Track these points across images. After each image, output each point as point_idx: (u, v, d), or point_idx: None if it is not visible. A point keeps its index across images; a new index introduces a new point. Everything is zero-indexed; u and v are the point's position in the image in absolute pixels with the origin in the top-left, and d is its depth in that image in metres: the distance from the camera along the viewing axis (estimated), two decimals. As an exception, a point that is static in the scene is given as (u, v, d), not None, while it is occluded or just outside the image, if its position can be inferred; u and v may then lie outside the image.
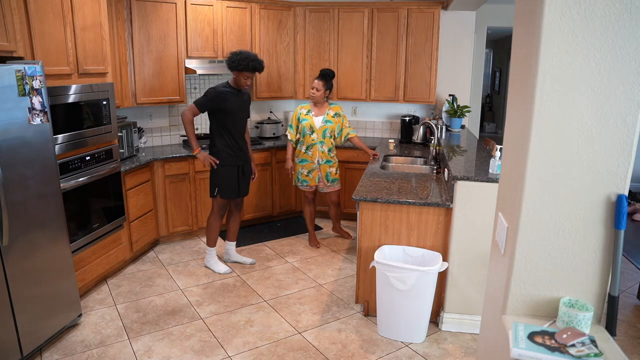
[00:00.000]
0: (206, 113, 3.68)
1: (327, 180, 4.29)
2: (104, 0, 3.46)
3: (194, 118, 3.61)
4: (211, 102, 3.54)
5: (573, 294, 1.40)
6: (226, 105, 3.56)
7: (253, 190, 4.78)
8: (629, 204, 5.57)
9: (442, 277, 3.00)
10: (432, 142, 4.13)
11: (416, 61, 4.89)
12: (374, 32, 4.90)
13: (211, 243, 3.93)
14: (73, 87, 3.15)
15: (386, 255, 2.96)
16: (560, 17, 1.23)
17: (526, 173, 1.34)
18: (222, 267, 3.89)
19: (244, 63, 3.48)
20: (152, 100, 4.37)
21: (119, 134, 3.96)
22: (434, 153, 4.08)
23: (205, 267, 3.97)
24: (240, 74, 3.54)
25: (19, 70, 2.50)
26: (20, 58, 2.71)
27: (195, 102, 3.55)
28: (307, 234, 4.78)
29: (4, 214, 2.42)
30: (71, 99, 3.14)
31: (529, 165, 1.34)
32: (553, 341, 1.26)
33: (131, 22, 4.11)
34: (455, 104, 5.01)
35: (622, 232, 1.31)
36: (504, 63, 10.80)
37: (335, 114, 4.25)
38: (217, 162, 3.65)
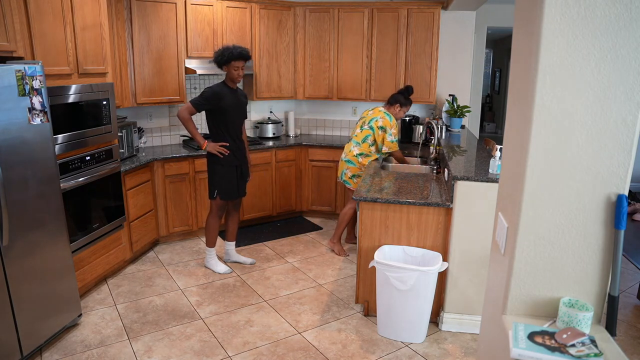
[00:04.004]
0: (204, 114, 3.67)
1: None
2: (104, 0, 3.46)
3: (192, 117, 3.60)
4: (207, 101, 3.53)
5: (573, 294, 1.40)
6: (222, 105, 3.55)
7: (253, 190, 4.78)
8: (629, 204, 5.57)
9: (442, 277, 3.00)
10: (432, 142, 4.12)
11: (416, 61, 4.89)
12: (374, 32, 4.90)
13: (210, 243, 3.93)
14: (73, 87, 3.15)
15: (386, 255, 2.96)
16: (560, 17, 1.23)
17: (526, 173, 1.34)
18: (222, 267, 3.89)
19: (227, 53, 3.47)
20: (152, 100, 4.37)
21: (119, 134, 3.96)
22: (434, 153, 4.08)
23: (205, 267, 3.97)
24: (230, 67, 3.52)
25: (19, 70, 2.50)
26: (20, 58, 2.71)
27: (191, 101, 3.53)
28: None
29: (4, 214, 2.42)
30: (71, 99, 3.14)
31: (529, 165, 1.34)
32: (553, 341, 1.26)
33: (131, 22, 4.11)
34: (455, 104, 5.01)
35: (622, 232, 1.31)
36: (504, 63, 10.80)
37: None
38: (227, 145, 3.63)
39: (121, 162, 3.89)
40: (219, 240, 4.60)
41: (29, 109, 2.59)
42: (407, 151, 4.59)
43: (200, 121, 4.95)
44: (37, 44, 2.83)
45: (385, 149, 4.01)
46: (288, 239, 4.68)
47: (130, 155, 4.18)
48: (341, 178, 4.20)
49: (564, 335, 1.26)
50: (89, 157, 3.34)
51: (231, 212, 3.96)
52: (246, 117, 3.82)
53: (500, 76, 11.27)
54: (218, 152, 3.60)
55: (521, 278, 1.42)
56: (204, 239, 4.62)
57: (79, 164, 3.25)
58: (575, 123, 1.28)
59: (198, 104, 3.53)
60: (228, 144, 3.64)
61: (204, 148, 3.62)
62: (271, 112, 5.51)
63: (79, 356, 2.76)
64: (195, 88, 4.97)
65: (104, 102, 3.47)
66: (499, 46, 11.21)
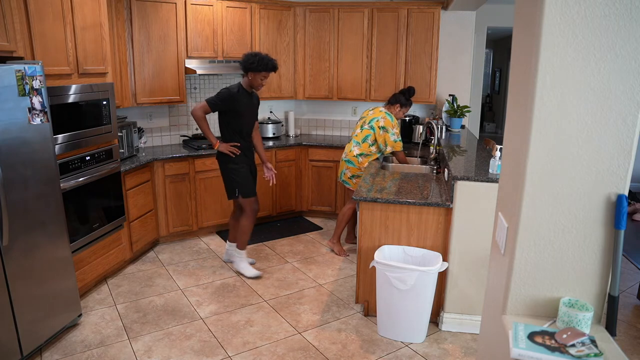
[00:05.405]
0: (216, 113, 3.66)
1: None
2: (104, 0, 3.46)
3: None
4: (223, 102, 3.52)
5: (573, 294, 1.40)
6: (237, 107, 3.55)
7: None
8: (629, 204, 5.57)
9: (442, 277, 3.00)
10: (432, 142, 4.12)
11: (416, 61, 4.89)
12: (374, 32, 4.90)
13: (242, 246, 3.83)
14: (73, 87, 3.15)
15: (386, 255, 2.96)
16: (560, 17, 1.23)
17: (526, 173, 1.34)
18: (252, 271, 3.78)
19: (262, 63, 3.46)
20: (152, 100, 4.37)
21: (119, 134, 3.96)
22: (434, 153, 4.08)
23: (235, 272, 3.87)
24: (257, 75, 3.51)
25: (19, 70, 2.50)
26: (20, 58, 2.71)
27: (207, 101, 3.52)
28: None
29: (4, 214, 2.42)
30: (71, 99, 3.14)
31: (529, 165, 1.34)
32: (553, 341, 1.26)
33: (131, 22, 4.11)
34: (455, 104, 5.01)
35: (622, 232, 1.31)
36: (504, 63, 10.80)
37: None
38: (238, 145, 3.63)
39: (121, 162, 3.89)
40: (219, 239, 4.60)
41: (29, 109, 2.59)
42: (407, 151, 4.59)
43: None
44: (37, 44, 2.83)
45: (389, 149, 4.01)
46: (288, 239, 4.68)
47: (130, 155, 4.18)
48: (341, 178, 4.21)
49: (564, 335, 1.26)
50: (89, 157, 3.34)
51: (237, 214, 3.95)
52: (257, 119, 3.82)
53: (500, 76, 11.27)
54: (230, 151, 3.60)
55: (521, 278, 1.42)
56: (204, 239, 4.62)
57: (79, 164, 3.25)
58: (575, 123, 1.28)
59: (214, 104, 3.52)
60: (239, 144, 3.64)
61: (216, 147, 3.61)
62: (271, 112, 5.51)
63: (79, 356, 2.76)
64: (195, 88, 4.97)
65: (104, 102, 3.47)
66: (499, 46, 11.21)
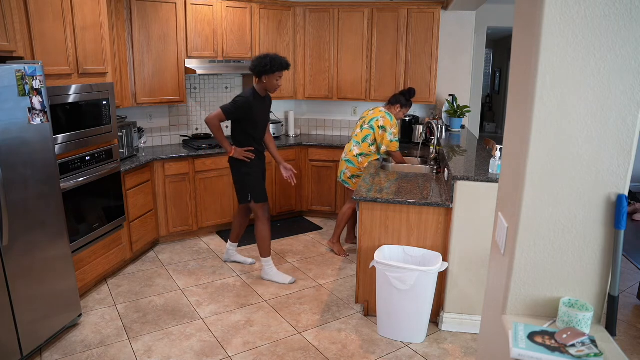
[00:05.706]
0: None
1: None
2: (104, 0, 3.46)
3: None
4: (239, 110, 3.47)
5: (573, 294, 1.40)
6: (253, 114, 3.52)
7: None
8: (629, 204, 5.57)
9: (442, 277, 3.00)
10: (432, 142, 4.12)
11: (416, 61, 4.89)
12: (374, 32, 4.90)
13: (266, 253, 3.74)
14: (73, 87, 3.15)
15: (386, 255, 2.96)
16: (560, 17, 1.23)
17: (526, 173, 1.34)
18: (286, 277, 3.71)
19: (276, 63, 3.42)
20: (152, 100, 4.37)
21: (119, 134, 3.96)
22: (434, 153, 4.08)
23: (265, 279, 3.76)
24: (272, 76, 3.47)
25: (19, 70, 2.50)
26: (20, 58, 2.71)
27: (223, 109, 3.44)
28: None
29: (4, 214, 2.42)
30: (71, 99, 3.14)
31: (529, 165, 1.34)
32: (553, 341, 1.26)
33: (131, 22, 4.11)
34: (455, 104, 5.01)
35: (622, 232, 1.31)
36: (504, 63, 10.80)
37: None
38: (251, 149, 3.60)
39: (121, 162, 3.89)
40: (219, 239, 4.60)
41: (29, 109, 2.59)
42: (407, 151, 4.59)
43: (202, 121, 4.95)
44: (37, 44, 2.83)
45: (384, 148, 4.01)
46: (288, 239, 4.68)
47: (130, 155, 4.18)
48: (340, 178, 4.21)
49: (564, 335, 1.26)
50: (89, 157, 3.34)
51: (243, 215, 3.94)
52: (269, 120, 3.80)
53: (500, 76, 11.27)
54: (245, 157, 3.56)
55: (521, 278, 1.42)
56: (204, 239, 4.62)
57: (79, 164, 3.25)
58: (575, 123, 1.28)
59: (229, 112, 3.46)
60: (253, 148, 3.62)
61: (231, 154, 3.57)
62: (271, 112, 5.50)
63: (79, 356, 2.76)
64: (195, 88, 4.97)
65: (104, 102, 3.47)
66: (499, 46, 11.21)
